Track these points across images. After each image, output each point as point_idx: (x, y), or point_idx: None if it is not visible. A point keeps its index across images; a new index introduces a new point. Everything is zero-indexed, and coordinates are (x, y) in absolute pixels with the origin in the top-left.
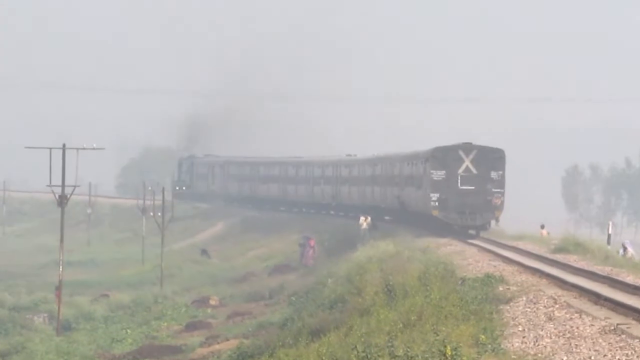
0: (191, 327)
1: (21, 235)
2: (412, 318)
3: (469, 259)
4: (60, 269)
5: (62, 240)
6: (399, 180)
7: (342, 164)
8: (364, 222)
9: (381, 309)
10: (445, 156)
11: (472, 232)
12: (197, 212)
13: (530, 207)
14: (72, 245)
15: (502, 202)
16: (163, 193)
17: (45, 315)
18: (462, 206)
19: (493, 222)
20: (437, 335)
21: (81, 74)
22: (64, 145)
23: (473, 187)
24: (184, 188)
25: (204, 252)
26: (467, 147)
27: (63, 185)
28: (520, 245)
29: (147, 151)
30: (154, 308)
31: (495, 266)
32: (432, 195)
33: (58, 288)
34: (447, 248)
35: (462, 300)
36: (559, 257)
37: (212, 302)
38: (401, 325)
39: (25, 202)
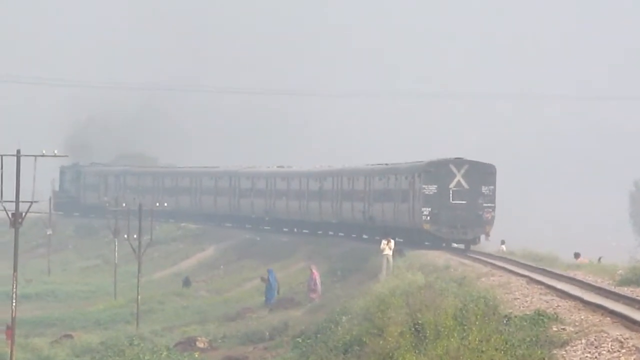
0: None
1: None
2: None
3: (516, 292)
4: (14, 304)
5: (15, 269)
6: (365, 195)
7: (277, 176)
8: (385, 246)
9: (407, 353)
10: (437, 170)
11: (458, 246)
12: (183, 234)
13: (590, 229)
14: (28, 274)
15: (493, 217)
16: (140, 210)
17: None
18: (454, 220)
19: (483, 237)
20: None
21: None
22: (18, 151)
23: (465, 202)
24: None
25: (186, 281)
26: (459, 162)
27: (17, 201)
28: (579, 275)
29: None
30: (129, 352)
31: (547, 301)
32: (423, 209)
33: (10, 327)
34: (489, 279)
35: (507, 343)
36: (626, 290)
37: (199, 345)
38: None
39: None
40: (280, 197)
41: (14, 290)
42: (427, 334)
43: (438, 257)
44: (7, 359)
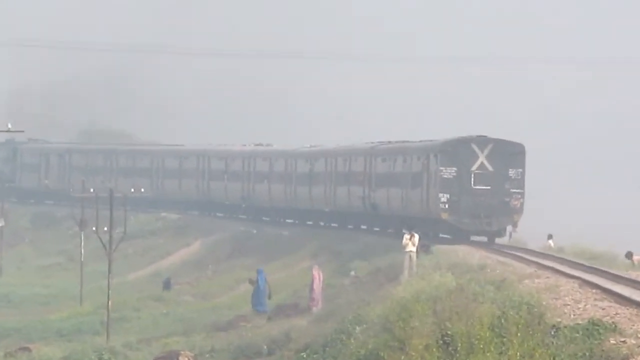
0: None
1: None
2: None
3: (565, 298)
4: None
5: None
6: (366, 179)
7: (257, 156)
8: (408, 241)
9: None
10: (456, 151)
11: (480, 238)
12: (163, 226)
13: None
14: None
15: (522, 205)
16: (111, 197)
17: None
18: (476, 209)
19: (510, 228)
20: None
21: None
22: None
23: (489, 187)
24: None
25: (167, 283)
26: (482, 141)
27: None
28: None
29: None
30: None
31: (604, 308)
32: (440, 196)
33: None
34: (534, 282)
35: (555, 358)
36: None
37: None
38: None
39: None
40: (260, 181)
41: None
42: (458, 348)
43: (471, 255)
44: None
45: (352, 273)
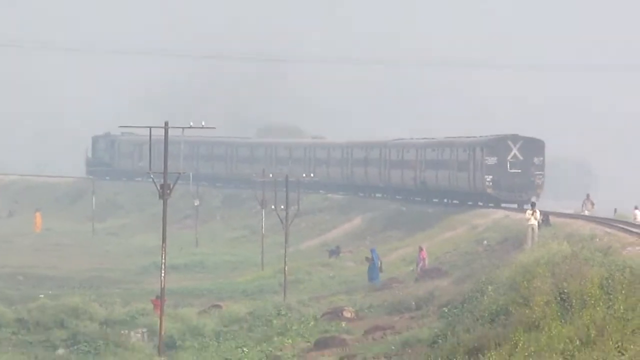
0: (322, 344)
1: (114, 233)
2: (592, 334)
3: None
4: (163, 274)
5: (164, 239)
6: (416, 164)
7: (391, 147)
8: (530, 216)
9: (553, 322)
10: (496, 145)
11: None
12: (329, 205)
13: None
14: (176, 245)
15: (543, 182)
16: (287, 182)
17: (144, 330)
18: (512, 185)
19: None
20: (623, 354)
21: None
22: (166, 123)
23: (520, 171)
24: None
25: (334, 251)
26: (515, 138)
27: (165, 172)
28: None
29: None
30: (276, 322)
31: None
32: (486, 177)
33: (159, 297)
34: (635, 249)
35: None
36: None
37: (346, 315)
38: (578, 342)
39: (119, 193)
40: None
41: (163, 261)
42: (573, 303)
43: (583, 227)
44: (157, 328)
45: (485, 242)
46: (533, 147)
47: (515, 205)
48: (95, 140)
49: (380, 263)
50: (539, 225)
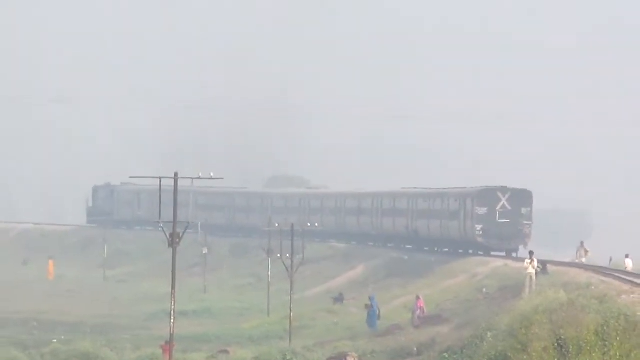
0: None
1: (124, 281)
2: None
3: None
4: (172, 320)
5: (173, 287)
6: (408, 213)
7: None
8: (528, 265)
9: None
10: (487, 195)
11: (498, 253)
12: (332, 253)
13: None
14: (184, 292)
15: (530, 231)
16: (292, 231)
17: None
18: (501, 234)
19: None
20: None
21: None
22: (175, 174)
23: (508, 220)
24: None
25: (338, 298)
26: (504, 189)
27: (175, 222)
28: None
29: None
30: None
31: None
32: (476, 226)
33: (168, 342)
34: (629, 297)
35: None
36: None
37: None
38: None
39: (129, 242)
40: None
41: (173, 307)
42: (570, 349)
43: (579, 275)
44: None
45: (484, 290)
46: (521, 197)
47: (504, 253)
48: (95, 190)
49: (379, 310)
50: (536, 273)
